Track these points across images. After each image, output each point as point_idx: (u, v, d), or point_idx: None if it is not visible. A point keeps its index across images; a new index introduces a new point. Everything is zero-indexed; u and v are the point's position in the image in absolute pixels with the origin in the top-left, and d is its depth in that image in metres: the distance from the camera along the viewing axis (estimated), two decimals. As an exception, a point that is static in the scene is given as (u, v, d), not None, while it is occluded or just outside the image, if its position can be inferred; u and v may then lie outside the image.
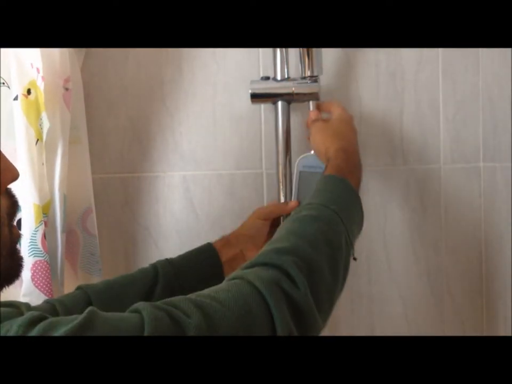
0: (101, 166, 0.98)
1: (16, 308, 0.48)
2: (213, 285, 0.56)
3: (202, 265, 0.69)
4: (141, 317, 0.47)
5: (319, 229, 0.64)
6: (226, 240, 0.88)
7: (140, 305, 0.49)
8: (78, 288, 0.75)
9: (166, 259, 0.83)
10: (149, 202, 0.99)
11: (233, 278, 0.57)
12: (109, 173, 0.98)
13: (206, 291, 0.55)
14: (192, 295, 0.53)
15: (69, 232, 0.88)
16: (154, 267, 0.80)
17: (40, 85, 0.80)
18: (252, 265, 0.59)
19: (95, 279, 0.90)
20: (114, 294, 0.67)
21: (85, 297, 0.72)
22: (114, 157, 0.98)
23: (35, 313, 0.45)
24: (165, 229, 0.99)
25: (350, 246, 0.68)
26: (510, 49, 0.88)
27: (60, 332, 0.42)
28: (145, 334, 0.45)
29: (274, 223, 0.89)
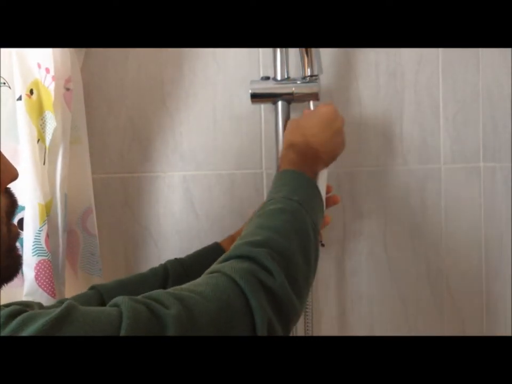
0: (101, 166, 0.98)
1: (26, 306, 0.48)
2: None
3: (211, 262, 0.70)
4: (119, 310, 0.47)
5: (287, 220, 0.66)
6: (232, 239, 0.91)
7: (118, 299, 0.49)
8: (92, 287, 0.77)
9: (176, 258, 0.86)
10: (149, 202, 0.99)
11: (211, 272, 0.58)
12: (109, 173, 0.98)
13: (185, 285, 0.56)
14: (171, 289, 0.54)
15: (69, 232, 0.88)
16: (165, 266, 0.83)
17: (50, 85, 0.80)
18: (227, 258, 0.60)
19: (95, 279, 0.90)
20: (126, 293, 0.69)
21: (98, 296, 0.74)
22: (115, 157, 0.98)
23: (17, 306, 0.46)
24: (165, 228, 0.99)
25: (317, 233, 0.69)
26: (510, 49, 0.88)
27: (37, 324, 0.43)
28: (123, 326, 0.45)
29: None
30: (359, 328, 1.01)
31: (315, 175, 0.78)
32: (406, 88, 0.99)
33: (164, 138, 0.98)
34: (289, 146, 0.80)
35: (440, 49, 0.98)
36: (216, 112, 0.98)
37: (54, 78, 0.80)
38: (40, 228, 0.79)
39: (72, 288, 0.88)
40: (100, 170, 0.97)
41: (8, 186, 0.55)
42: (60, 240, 0.83)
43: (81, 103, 0.91)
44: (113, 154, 0.98)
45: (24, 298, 0.79)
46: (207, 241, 0.98)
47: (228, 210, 0.99)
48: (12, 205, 0.56)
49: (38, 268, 0.79)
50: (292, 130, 0.83)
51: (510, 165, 0.90)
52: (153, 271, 0.82)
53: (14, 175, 0.55)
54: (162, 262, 0.84)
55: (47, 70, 0.80)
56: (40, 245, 0.79)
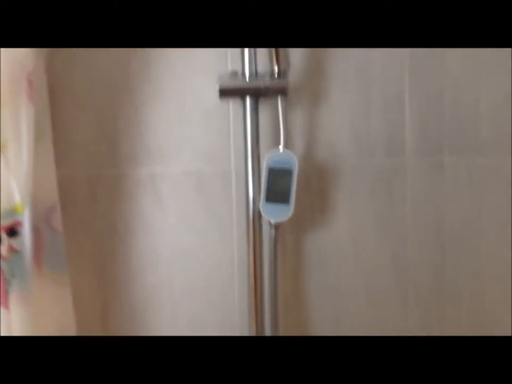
0: (67, 163, 0.95)
1: None
2: None
3: None
4: None
5: None
6: None
7: None
8: None
9: None
10: (116, 199, 0.97)
11: None
12: (75, 169, 0.96)
13: None
14: None
15: (33, 229, 0.86)
16: None
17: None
18: None
19: (60, 276, 0.89)
20: None
21: None
22: (81, 153, 0.96)
23: None
24: (132, 226, 0.98)
25: None
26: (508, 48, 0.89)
27: None
28: None
29: None
30: (324, 322, 1.03)
31: None
32: (374, 83, 1.00)
33: (131, 134, 0.97)
34: None
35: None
36: (184, 108, 0.97)
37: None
38: None
39: (37, 285, 0.87)
40: (66, 167, 0.95)
41: None
42: (27, 241, 0.81)
43: (44, 98, 0.89)
44: (79, 151, 0.96)
45: None
46: (174, 238, 0.98)
47: (196, 207, 0.99)
48: None
49: None
50: None
51: (479, 159, 0.93)
52: None
53: None
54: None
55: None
56: None
